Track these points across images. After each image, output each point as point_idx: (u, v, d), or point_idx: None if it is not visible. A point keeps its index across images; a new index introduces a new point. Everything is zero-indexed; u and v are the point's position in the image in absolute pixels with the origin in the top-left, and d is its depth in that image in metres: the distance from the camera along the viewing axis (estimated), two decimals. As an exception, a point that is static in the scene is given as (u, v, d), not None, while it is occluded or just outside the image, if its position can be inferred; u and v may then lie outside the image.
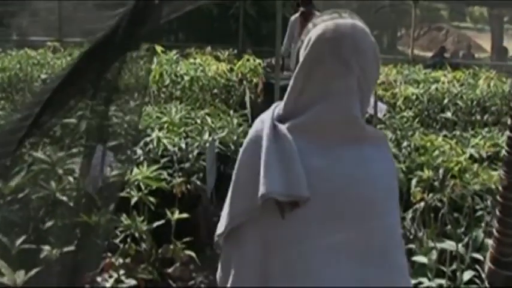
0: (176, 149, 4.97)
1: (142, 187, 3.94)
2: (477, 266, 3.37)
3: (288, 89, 1.68)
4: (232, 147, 5.89)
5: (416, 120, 6.63)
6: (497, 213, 2.27)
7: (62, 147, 3.22)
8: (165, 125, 5.50)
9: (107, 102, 1.91)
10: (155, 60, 7.82)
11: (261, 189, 1.57)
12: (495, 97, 7.69)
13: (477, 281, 3.32)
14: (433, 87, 7.72)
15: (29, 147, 2.70)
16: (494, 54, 22.55)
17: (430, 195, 3.99)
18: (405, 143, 5.26)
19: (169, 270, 3.98)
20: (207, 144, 4.99)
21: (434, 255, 3.30)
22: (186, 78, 7.66)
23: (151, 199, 3.95)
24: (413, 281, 3.20)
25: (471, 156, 5.08)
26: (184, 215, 4.01)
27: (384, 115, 5.73)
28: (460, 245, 3.45)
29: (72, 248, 3.03)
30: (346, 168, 1.62)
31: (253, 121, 6.19)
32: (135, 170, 3.99)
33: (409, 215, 4.02)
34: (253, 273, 1.66)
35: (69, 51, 9.27)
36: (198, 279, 4.33)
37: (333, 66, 1.61)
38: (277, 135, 1.62)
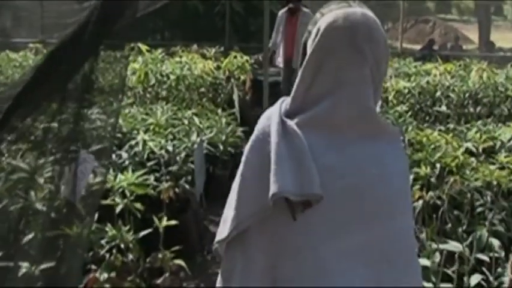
0: (163, 151, 4.83)
1: (128, 194, 3.75)
2: (484, 269, 3.21)
3: (296, 82, 1.58)
4: (221, 147, 5.78)
5: (409, 114, 6.51)
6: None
7: (41, 153, 3.04)
8: (151, 127, 5.36)
9: (79, 106, 1.72)
10: (140, 59, 7.71)
11: (272, 188, 1.47)
12: (488, 89, 7.59)
13: (484, 284, 3.16)
14: (425, 80, 7.59)
15: (6, 155, 2.55)
16: (482, 45, 22.51)
17: (430, 193, 3.81)
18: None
19: (159, 281, 3.79)
20: (195, 146, 4.85)
21: (437, 257, 3.12)
22: (172, 77, 7.54)
23: (138, 206, 3.76)
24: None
25: (468, 150, 4.95)
26: (173, 222, 3.83)
27: (379, 111, 5.58)
28: (460, 245, 3.28)
29: (52, 263, 2.86)
30: (360, 167, 1.54)
31: (242, 119, 6.05)
32: (120, 176, 3.80)
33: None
34: (261, 280, 1.55)
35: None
36: (189, 288, 4.18)
37: (347, 55, 1.53)
38: (286, 131, 1.53)
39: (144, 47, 7.66)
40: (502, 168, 4.38)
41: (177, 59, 8.44)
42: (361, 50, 1.52)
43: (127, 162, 4.66)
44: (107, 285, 3.40)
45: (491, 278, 3.18)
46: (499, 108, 7.42)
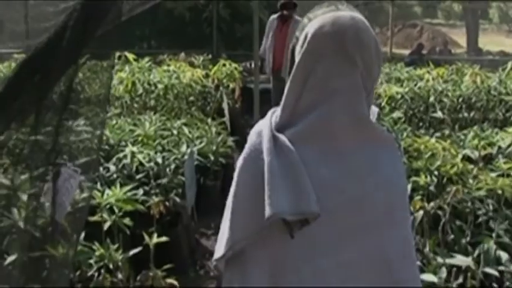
0: (152, 163, 4.66)
1: (116, 210, 3.57)
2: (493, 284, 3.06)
3: (285, 91, 1.53)
4: (212, 157, 5.65)
5: (403, 119, 6.38)
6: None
7: (23, 168, 2.88)
8: (139, 138, 5.19)
9: (59, 118, 1.56)
10: (127, 68, 7.55)
11: (268, 210, 1.43)
12: (481, 93, 7.48)
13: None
14: (418, 85, 7.48)
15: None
16: (470, 49, 22.55)
17: (431, 203, 3.65)
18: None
19: (150, 300, 3.62)
20: (185, 157, 4.69)
21: (444, 272, 2.96)
22: (160, 86, 7.38)
23: (127, 221, 3.59)
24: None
25: (465, 156, 4.82)
26: (164, 239, 3.65)
27: (377, 119, 5.44)
28: (469, 259, 3.13)
29: (37, 286, 2.74)
30: (358, 177, 1.51)
31: (232, 129, 5.91)
32: (108, 192, 3.62)
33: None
34: None
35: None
36: (181, 306, 4.00)
37: (336, 61, 1.48)
38: (278, 148, 1.48)
39: (131, 56, 7.53)
40: (502, 175, 4.25)
41: (165, 67, 8.27)
42: (351, 55, 1.48)
43: (115, 176, 4.49)
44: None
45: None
46: (493, 113, 7.32)
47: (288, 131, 1.50)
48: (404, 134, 5.46)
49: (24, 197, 3.28)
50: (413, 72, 8.67)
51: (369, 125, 1.53)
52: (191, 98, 7.68)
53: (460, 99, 7.41)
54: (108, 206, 3.56)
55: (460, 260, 3.05)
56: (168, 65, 8.43)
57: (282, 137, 1.49)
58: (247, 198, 1.52)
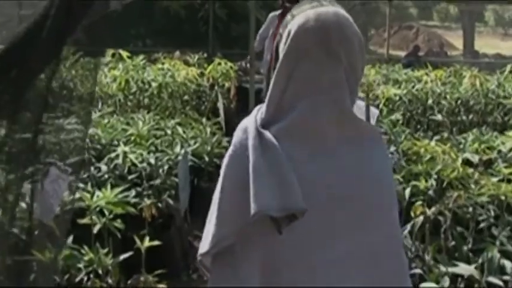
0: (145, 164, 4.55)
1: (106, 213, 3.46)
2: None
3: (270, 87, 1.54)
4: (207, 158, 5.55)
5: (400, 121, 6.30)
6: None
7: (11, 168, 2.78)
8: (132, 138, 5.08)
9: (39, 116, 1.45)
10: (120, 66, 7.46)
11: (253, 207, 1.43)
12: (479, 96, 7.42)
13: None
14: (416, 87, 7.41)
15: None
16: (466, 51, 22.56)
17: (432, 209, 3.55)
18: (393, 149, 4.87)
19: (141, 305, 3.51)
20: (179, 158, 4.59)
21: (447, 281, 2.86)
22: (154, 84, 7.30)
23: (117, 224, 3.48)
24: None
25: (464, 160, 4.72)
26: (156, 243, 3.54)
27: (377, 121, 5.35)
28: (472, 267, 3.02)
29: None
30: (345, 173, 1.52)
31: (227, 129, 5.79)
32: (98, 194, 3.50)
33: (406, 230, 3.60)
34: None
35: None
36: (174, 311, 3.92)
37: (319, 57, 1.49)
38: (264, 145, 1.48)
39: (125, 54, 7.44)
40: (502, 180, 4.15)
41: (159, 65, 8.20)
42: (334, 51, 1.49)
43: (106, 176, 4.37)
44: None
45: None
46: (492, 116, 7.26)
47: (273, 127, 1.51)
48: (403, 137, 5.39)
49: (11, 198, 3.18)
50: (411, 74, 8.61)
51: (354, 120, 1.54)
52: (186, 97, 7.61)
53: (459, 102, 7.36)
54: (98, 209, 3.45)
55: (463, 268, 2.96)
56: (163, 63, 8.35)
57: (267, 134, 1.49)
58: (233, 195, 1.52)
